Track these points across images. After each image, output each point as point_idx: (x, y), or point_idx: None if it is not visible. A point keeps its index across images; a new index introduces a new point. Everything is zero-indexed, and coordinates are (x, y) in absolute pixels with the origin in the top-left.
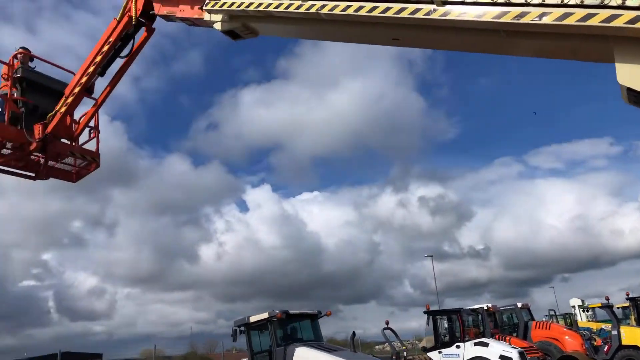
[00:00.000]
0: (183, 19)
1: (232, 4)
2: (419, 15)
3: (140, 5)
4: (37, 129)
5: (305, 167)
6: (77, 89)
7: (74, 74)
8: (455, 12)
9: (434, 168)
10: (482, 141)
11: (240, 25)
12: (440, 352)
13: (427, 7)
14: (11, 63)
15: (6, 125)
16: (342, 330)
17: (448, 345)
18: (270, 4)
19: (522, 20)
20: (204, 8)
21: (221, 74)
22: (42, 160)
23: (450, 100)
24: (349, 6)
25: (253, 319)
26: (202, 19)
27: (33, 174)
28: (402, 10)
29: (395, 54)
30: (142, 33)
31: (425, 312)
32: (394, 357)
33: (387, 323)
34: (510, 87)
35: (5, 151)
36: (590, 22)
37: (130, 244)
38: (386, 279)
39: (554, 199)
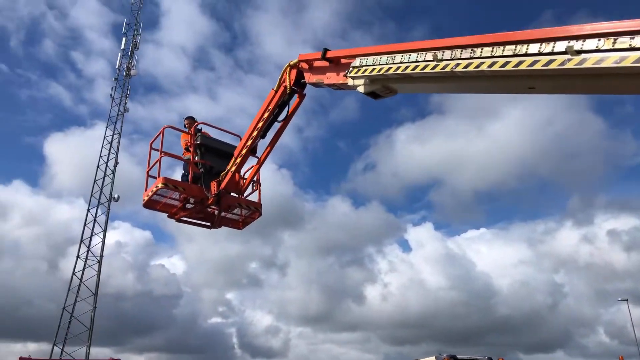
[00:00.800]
0: (330, 85)
1: (373, 69)
2: (553, 66)
3: (293, 76)
4: (213, 186)
5: (469, 203)
6: (244, 151)
7: (239, 136)
8: (592, 60)
9: (624, 197)
10: None
11: (381, 87)
12: None
13: (561, 58)
14: (192, 133)
15: (190, 184)
16: None
17: None
18: (407, 67)
19: None
20: (347, 75)
21: (375, 116)
22: (216, 212)
23: (637, 118)
24: (482, 63)
25: None
26: (347, 83)
27: (209, 224)
28: (535, 62)
29: None
30: (295, 99)
31: None
32: None
33: None
34: None
35: (188, 205)
36: None
37: (300, 284)
38: (575, 325)
39: None
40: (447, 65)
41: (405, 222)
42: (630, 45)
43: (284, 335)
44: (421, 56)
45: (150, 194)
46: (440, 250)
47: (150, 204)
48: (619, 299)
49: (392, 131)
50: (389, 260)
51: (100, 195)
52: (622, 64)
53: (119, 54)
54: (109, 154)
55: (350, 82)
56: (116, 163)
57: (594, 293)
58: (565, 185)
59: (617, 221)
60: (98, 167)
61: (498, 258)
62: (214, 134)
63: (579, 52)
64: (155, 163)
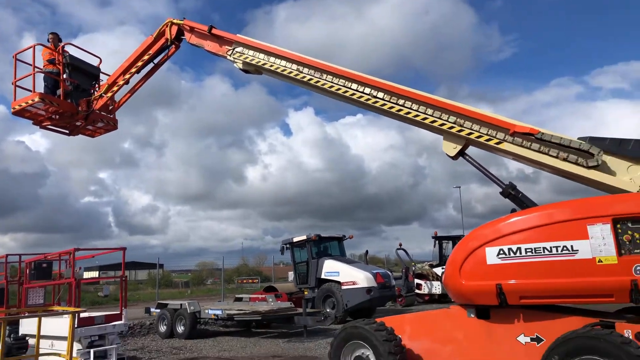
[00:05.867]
0: (208, 51)
1: (252, 59)
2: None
3: (174, 32)
4: (83, 104)
5: None
6: (121, 82)
7: (99, 57)
8: None
9: (484, 89)
10: (539, 60)
11: (253, 70)
12: (443, 268)
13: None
14: (60, 52)
15: (63, 100)
16: (383, 249)
17: None
18: (278, 67)
19: None
20: (229, 54)
21: None
22: (77, 124)
23: (506, 14)
24: (326, 84)
25: (295, 239)
26: (226, 57)
27: (67, 132)
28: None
29: None
30: (171, 49)
31: (433, 237)
32: (403, 270)
33: (400, 245)
34: None
35: (54, 116)
36: None
37: (178, 164)
38: (430, 202)
39: (616, 122)
40: (305, 77)
41: (287, 107)
42: None
43: (163, 213)
44: (288, 64)
45: (23, 104)
46: (319, 135)
47: (20, 113)
48: (454, 186)
49: (272, 7)
50: (269, 143)
51: None
52: None
53: None
54: None
55: (229, 58)
56: None
57: (450, 175)
58: (436, 75)
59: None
60: None
61: (371, 143)
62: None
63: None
64: (28, 76)
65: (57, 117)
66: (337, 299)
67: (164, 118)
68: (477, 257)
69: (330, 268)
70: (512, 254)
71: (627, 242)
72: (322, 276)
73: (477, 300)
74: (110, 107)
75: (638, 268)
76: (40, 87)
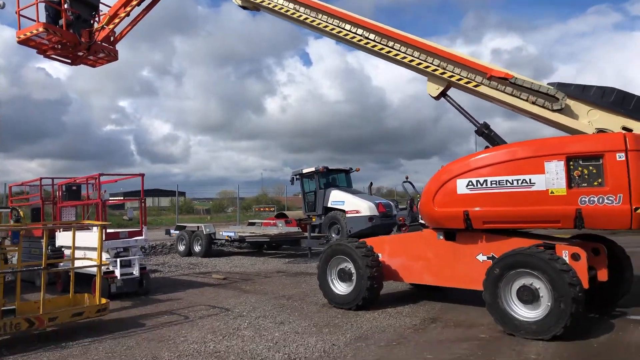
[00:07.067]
0: None
1: None
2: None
3: None
4: (85, 35)
5: (369, 18)
6: (122, 14)
7: None
8: None
9: (515, 17)
10: None
11: (252, 7)
12: None
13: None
14: None
15: (66, 31)
16: (400, 182)
17: None
18: (275, 6)
19: None
20: None
21: None
22: (80, 54)
23: None
24: (321, 23)
25: (305, 170)
26: None
27: (69, 61)
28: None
29: None
30: None
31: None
32: (408, 201)
33: (407, 178)
34: None
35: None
36: None
37: (197, 93)
38: (452, 136)
39: None
40: (301, 16)
41: (307, 35)
42: None
43: (183, 142)
44: (285, 3)
45: (28, 34)
46: (340, 65)
47: (25, 42)
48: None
49: None
50: (288, 73)
51: None
52: None
53: None
54: None
55: None
56: None
57: (472, 108)
58: (462, 2)
59: (502, 40)
60: None
61: (393, 74)
62: None
63: None
64: (31, 5)
65: (60, 47)
66: (341, 226)
67: (182, 45)
68: (449, 188)
69: (336, 197)
70: (479, 186)
71: (577, 177)
72: (329, 205)
73: (447, 225)
74: (112, 39)
75: (583, 199)
76: (43, 17)
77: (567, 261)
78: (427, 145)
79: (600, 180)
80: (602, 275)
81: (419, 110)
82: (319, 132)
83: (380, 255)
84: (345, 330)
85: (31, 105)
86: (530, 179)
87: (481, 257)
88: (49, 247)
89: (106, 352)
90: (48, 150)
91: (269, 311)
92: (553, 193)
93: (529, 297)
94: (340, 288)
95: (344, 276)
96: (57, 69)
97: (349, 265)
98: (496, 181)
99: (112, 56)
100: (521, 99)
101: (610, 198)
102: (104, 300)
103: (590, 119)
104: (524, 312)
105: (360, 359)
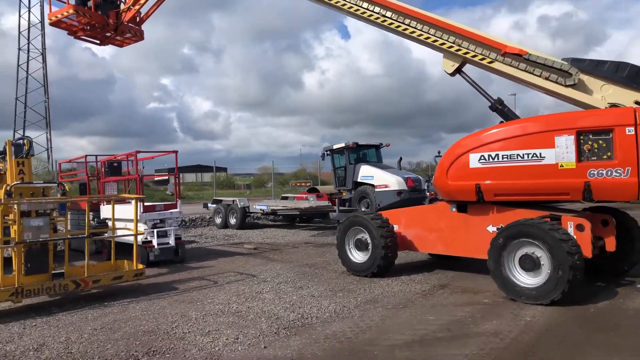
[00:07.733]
0: None
1: None
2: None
3: None
4: (113, 16)
5: None
6: None
7: None
8: None
9: None
10: None
11: None
12: None
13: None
14: None
15: (95, 12)
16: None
17: None
18: None
19: None
20: None
21: None
22: (107, 34)
23: None
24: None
25: (335, 146)
26: None
27: (98, 42)
28: None
29: None
30: None
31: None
32: None
33: (439, 152)
34: None
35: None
36: None
37: (236, 70)
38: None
39: None
40: None
41: None
42: None
43: (224, 119)
44: None
45: (59, 16)
46: (379, 37)
47: (56, 24)
48: (509, 94)
49: None
50: (326, 47)
51: None
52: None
53: None
54: None
55: None
56: None
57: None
58: None
59: (550, 7)
60: None
61: None
62: None
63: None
64: None
65: (89, 28)
66: (370, 200)
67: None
68: (462, 162)
69: (366, 172)
70: (491, 160)
71: (587, 151)
72: (358, 179)
73: (459, 197)
74: (138, 19)
75: (592, 172)
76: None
77: (572, 232)
78: (469, 118)
79: (609, 153)
80: (610, 245)
81: (461, 82)
82: (358, 107)
83: (396, 226)
84: (357, 294)
85: (79, 84)
86: (540, 153)
87: (491, 228)
88: (96, 219)
89: (142, 311)
90: (96, 128)
91: (291, 277)
92: (562, 166)
93: (530, 265)
94: (357, 257)
95: (361, 246)
96: (101, 48)
97: (365, 236)
98: (507, 155)
99: (139, 36)
100: (535, 74)
101: (618, 171)
102: (140, 266)
103: (603, 94)
104: (525, 279)
105: (366, 319)
